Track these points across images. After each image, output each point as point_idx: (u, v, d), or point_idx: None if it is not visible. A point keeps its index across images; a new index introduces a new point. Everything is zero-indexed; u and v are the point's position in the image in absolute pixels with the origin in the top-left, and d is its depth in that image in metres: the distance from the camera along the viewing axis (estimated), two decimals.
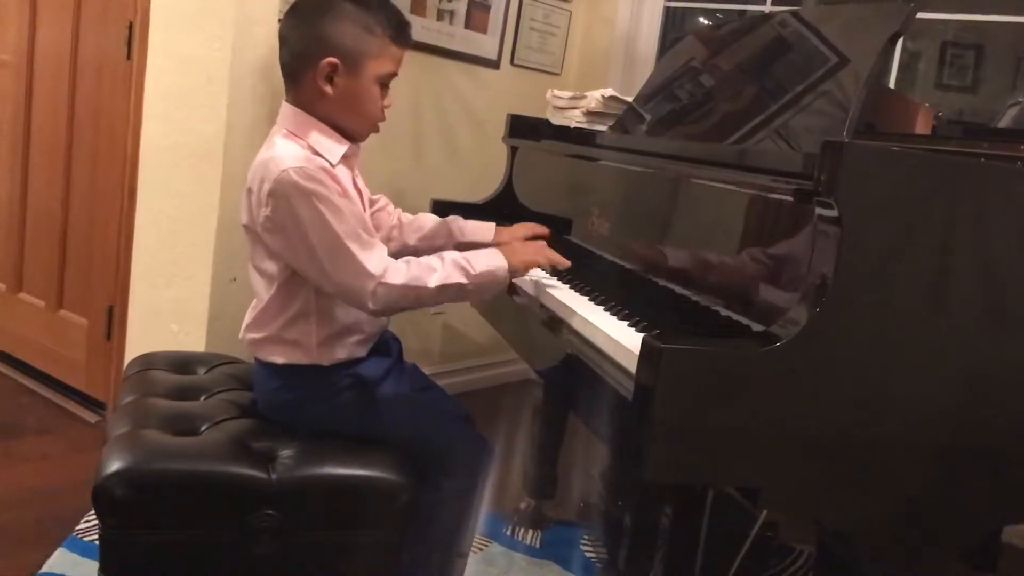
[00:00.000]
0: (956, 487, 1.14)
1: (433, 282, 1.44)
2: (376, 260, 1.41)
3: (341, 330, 1.51)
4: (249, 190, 1.45)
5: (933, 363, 1.08)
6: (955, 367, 1.09)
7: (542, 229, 1.80)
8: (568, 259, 1.59)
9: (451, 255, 1.49)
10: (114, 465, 1.32)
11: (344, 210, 1.40)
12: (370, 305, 1.41)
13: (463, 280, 1.46)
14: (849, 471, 1.08)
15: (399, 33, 1.52)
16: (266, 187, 1.38)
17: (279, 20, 2.25)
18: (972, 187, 1.09)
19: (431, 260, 1.47)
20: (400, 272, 1.43)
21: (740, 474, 1.08)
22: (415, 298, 1.45)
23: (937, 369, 1.09)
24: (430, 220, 1.83)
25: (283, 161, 1.39)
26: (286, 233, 1.40)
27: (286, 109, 1.51)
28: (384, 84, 1.52)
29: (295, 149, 1.43)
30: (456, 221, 1.82)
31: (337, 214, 1.39)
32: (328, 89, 1.47)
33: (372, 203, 1.75)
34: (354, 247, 1.39)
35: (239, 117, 2.28)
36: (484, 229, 1.80)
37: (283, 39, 1.51)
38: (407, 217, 1.84)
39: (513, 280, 1.56)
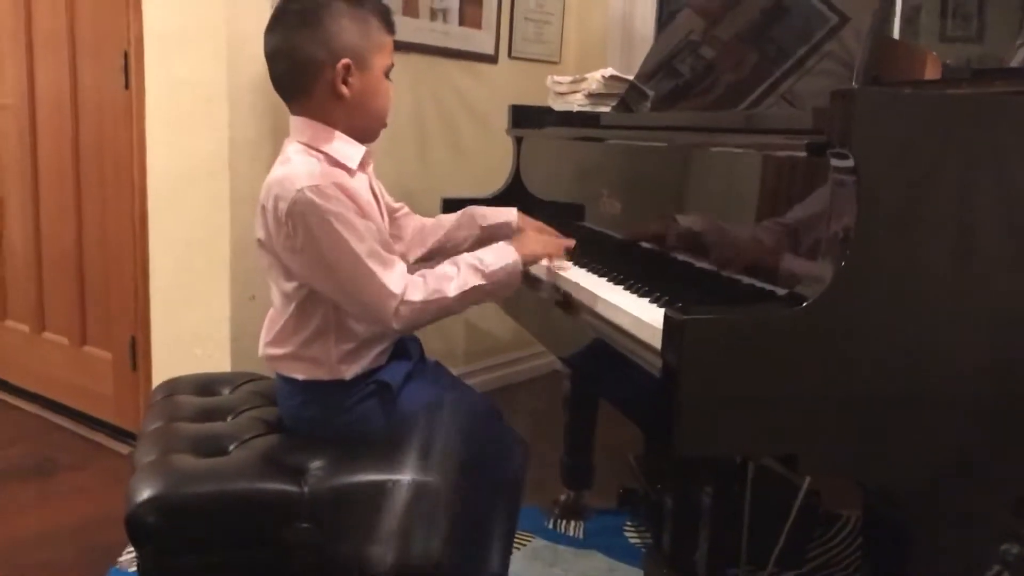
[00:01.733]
0: (1000, 436, 1.10)
1: (452, 291, 1.42)
2: (397, 278, 1.39)
3: (360, 345, 1.49)
4: (263, 207, 1.41)
5: (965, 310, 1.04)
6: (988, 312, 1.05)
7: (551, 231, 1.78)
8: (582, 243, 1.57)
9: (464, 258, 1.47)
10: (144, 493, 1.31)
11: (361, 228, 1.38)
12: (394, 325, 1.40)
13: (480, 282, 1.44)
14: (887, 427, 1.05)
15: (388, 21, 1.50)
16: (282, 206, 1.35)
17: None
18: (990, 125, 1.05)
19: (445, 268, 1.45)
20: (419, 287, 1.41)
21: (775, 441, 1.04)
22: (437, 310, 1.43)
23: (970, 316, 1.05)
24: (451, 217, 1.81)
25: (298, 180, 1.35)
26: (305, 254, 1.38)
27: (298, 122, 1.47)
28: (388, 76, 1.51)
29: (311, 164, 1.40)
30: (478, 209, 1.80)
31: (355, 233, 1.36)
32: (345, 91, 1.44)
33: (394, 210, 1.73)
34: (375, 267, 1.37)
35: (241, 134, 2.27)
36: (505, 211, 1.78)
37: (279, 53, 1.45)
38: (429, 221, 1.82)
39: (531, 272, 1.53)
